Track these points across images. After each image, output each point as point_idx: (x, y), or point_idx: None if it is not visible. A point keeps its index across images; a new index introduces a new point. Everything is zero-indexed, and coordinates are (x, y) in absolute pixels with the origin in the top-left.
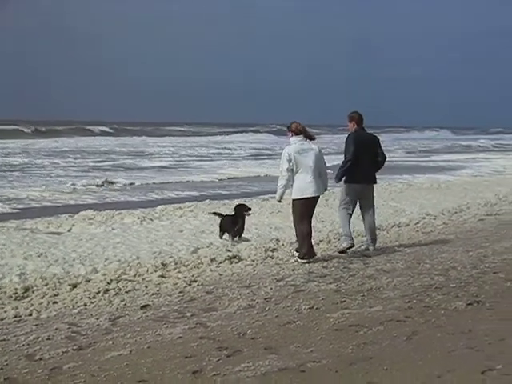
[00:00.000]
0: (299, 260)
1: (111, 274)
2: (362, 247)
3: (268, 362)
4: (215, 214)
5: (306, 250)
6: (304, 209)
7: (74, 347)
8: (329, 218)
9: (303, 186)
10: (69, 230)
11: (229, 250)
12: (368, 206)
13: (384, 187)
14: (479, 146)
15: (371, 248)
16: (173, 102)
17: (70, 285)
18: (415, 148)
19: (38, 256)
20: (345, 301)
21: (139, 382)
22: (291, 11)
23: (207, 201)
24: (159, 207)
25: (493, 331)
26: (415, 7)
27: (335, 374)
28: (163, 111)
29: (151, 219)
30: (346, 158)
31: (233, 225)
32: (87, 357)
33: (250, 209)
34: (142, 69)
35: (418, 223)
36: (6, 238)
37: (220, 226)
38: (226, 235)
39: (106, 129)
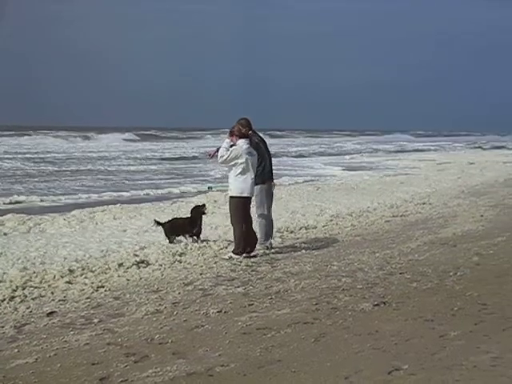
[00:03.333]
0: (233, 255)
1: (17, 280)
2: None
3: (176, 366)
4: (157, 223)
5: (243, 246)
6: (243, 207)
7: None
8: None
9: (247, 186)
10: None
11: (136, 255)
12: (271, 204)
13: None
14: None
15: (272, 243)
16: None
17: None
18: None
19: None
20: (253, 304)
21: None
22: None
23: (118, 205)
24: (74, 212)
25: (399, 331)
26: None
27: (243, 378)
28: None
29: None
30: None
31: (191, 226)
32: None
33: (204, 205)
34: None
35: (325, 225)
36: None
37: (170, 230)
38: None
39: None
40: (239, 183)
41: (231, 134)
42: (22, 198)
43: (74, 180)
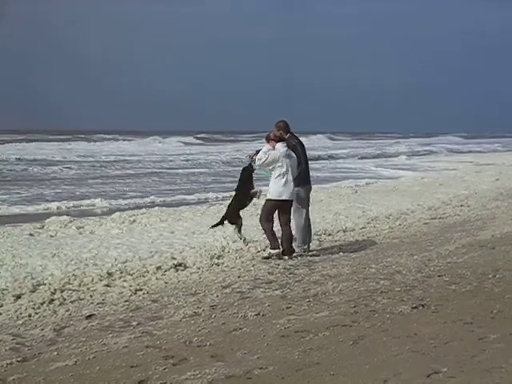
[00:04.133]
0: (271, 251)
1: (55, 283)
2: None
3: (215, 369)
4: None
5: (276, 241)
6: (273, 210)
7: (19, 359)
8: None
9: (286, 189)
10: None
11: (174, 258)
12: (308, 206)
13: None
14: None
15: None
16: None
17: (13, 296)
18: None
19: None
20: (291, 307)
21: None
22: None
23: (156, 208)
24: (113, 215)
25: (438, 334)
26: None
27: (282, 381)
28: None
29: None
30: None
31: (245, 199)
32: (32, 368)
33: (251, 165)
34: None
35: (363, 228)
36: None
37: (234, 219)
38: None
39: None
40: (278, 186)
41: (268, 139)
42: (92, 200)
43: (151, 182)
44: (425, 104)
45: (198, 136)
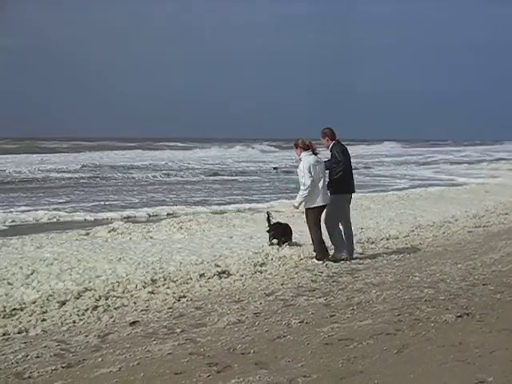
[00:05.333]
0: (316, 261)
1: (100, 290)
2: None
3: (258, 377)
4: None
5: (322, 252)
6: (318, 216)
7: (63, 365)
8: None
9: (317, 196)
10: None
11: (217, 265)
12: (349, 214)
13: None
14: None
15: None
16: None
17: (58, 302)
18: None
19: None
20: (334, 315)
21: None
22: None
23: (204, 215)
24: (163, 221)
25: (483, 343)
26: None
27: None
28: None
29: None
30: (334, 168)
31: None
32: (76, 374)
33: None
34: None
35: (407, 236)
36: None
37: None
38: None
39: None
40: (313, 194)
41: (296, 145)
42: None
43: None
44: (476, 110)
45: (269, 144)
